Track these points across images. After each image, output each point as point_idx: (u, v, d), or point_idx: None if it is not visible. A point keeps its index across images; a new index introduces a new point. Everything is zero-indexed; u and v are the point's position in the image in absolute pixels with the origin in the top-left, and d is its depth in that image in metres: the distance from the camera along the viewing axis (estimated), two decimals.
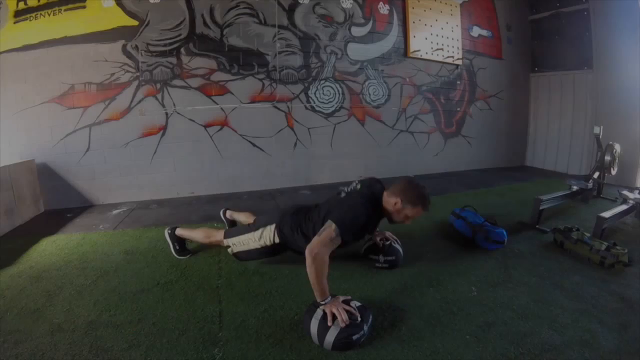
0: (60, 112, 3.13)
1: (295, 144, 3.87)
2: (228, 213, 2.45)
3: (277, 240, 1.77)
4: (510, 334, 1.39)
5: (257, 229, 1.82)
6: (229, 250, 1.90)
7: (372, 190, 1.71)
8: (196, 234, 2.06)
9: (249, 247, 1.83)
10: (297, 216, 1.77)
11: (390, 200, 1.63)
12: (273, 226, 1.77)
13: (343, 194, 1.74)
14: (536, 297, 1.66)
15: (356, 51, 4.00)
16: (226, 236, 1.92)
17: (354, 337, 1.29)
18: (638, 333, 1.39)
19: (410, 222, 1.69)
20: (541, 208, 2.59)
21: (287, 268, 1.92)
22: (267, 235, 1.78)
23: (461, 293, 1.70)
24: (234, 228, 1.98)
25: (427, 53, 4.38)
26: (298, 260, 2.00)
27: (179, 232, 2.10)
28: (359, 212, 1.57)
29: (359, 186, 1.75)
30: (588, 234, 2.16)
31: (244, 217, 2.30)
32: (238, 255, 1.90)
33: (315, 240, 1.47)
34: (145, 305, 1.58)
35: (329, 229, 1.49)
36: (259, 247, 1.81)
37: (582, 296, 1.66)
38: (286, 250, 1.84)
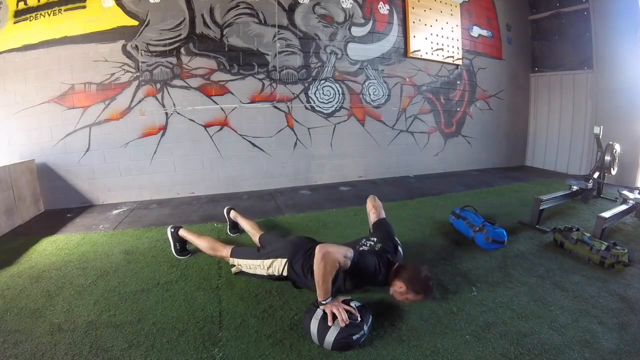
0: (60, 112, 3.13)
1: (295, 144, 3.87)
2: (232, 213, 2.43)
3: (285, 274, 1.75)
4: (510, 334, 1.39)
5: (267, 258, 1.79)
6: (233, 268, 1.87)
7: (388, 258, 1.71)
8: (201, 243, 2.01)
9: (254, 272, 1.81)
10: (310, 257, 1.68)
11: (397, 283, 1.64)
12: (284, 260, 1.74)
13: (362, 248, 1.74)
14: (536, 297, 1.66)
15: (356, 51, 4.00)
16: (233, 255, 1.88)
17: (354, 337, 1.29)
18: (638, 333, 1.40)
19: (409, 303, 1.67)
20: (541, 208, 2.59)
21: None
22: (276, 267, 1.76)
23: (461, 293, 1.70)
24: (242, 248, 1.95)
25: (427, 53, 4.38)
26: None
27: (182, 233, 2.09)
28: (372, 265, 1.59)
29: (378, 246, 1.75)
30: (588, 234, 2.16)
31: (248, 226, 2.25)
32: (240, 274, 1.88)
33: (331, 245, 1.47)
34: (145, 305, 1.59)
35: (347, 249, 1.49)
36: (264, 274, 1.79)
37: (582, 296, 1.66)
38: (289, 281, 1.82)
